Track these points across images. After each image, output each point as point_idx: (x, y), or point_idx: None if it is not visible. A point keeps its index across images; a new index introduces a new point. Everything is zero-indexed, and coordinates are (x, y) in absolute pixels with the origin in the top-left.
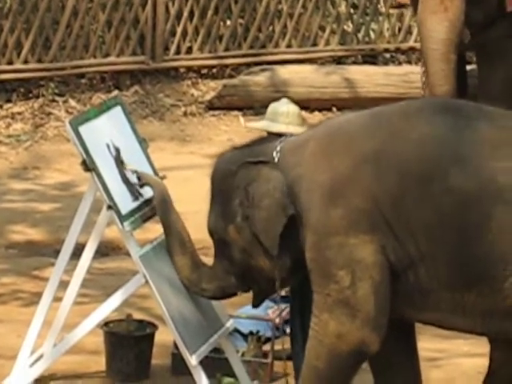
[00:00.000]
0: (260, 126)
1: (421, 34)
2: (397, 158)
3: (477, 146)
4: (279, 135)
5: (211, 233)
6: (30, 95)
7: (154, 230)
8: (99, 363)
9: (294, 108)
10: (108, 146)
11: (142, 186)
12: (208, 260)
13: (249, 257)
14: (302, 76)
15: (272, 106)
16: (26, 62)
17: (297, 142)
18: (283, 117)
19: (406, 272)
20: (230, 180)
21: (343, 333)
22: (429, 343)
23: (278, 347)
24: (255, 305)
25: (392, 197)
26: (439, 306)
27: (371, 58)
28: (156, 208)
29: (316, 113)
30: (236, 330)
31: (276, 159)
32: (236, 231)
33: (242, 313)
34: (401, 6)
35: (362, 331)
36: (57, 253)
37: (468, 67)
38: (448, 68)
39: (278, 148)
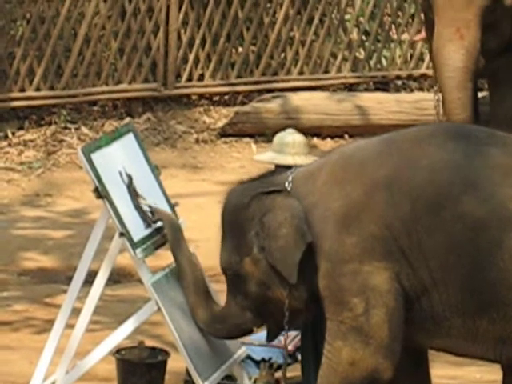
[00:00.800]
0: (267, 158)
1: (437, 63)
2: (409, 185)
3: (488, 172)
4: (287, 167)
5: (225, 270)
6: (43, 122)
7: (166, 256)
8: None
9: (299, 138)
10: (120, 174)
11: (155, 222)
12: (220, 287)
13: (266, 289)
14: (314, 103)
15: (278, 137)
16: (38, 89)
17: (308, 171)
18: (289, 147)
19: (419, 299)
20: (243, 213)
21: (356, 360)
22: (441, 370)
23: (290, 374)
24: (271, 339)
25: (405, 224)
26: (451, 332)
27: (383, 85)
28: (169, 245)
29: (328, 140)
30: (248, 357)
31: (289, 189)
32: (252, 263)
33: (254, 340)
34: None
35: (375, 358)
36: (69, 280)
37: (480, 94)
38: (465, 96)
39: (290, 178)
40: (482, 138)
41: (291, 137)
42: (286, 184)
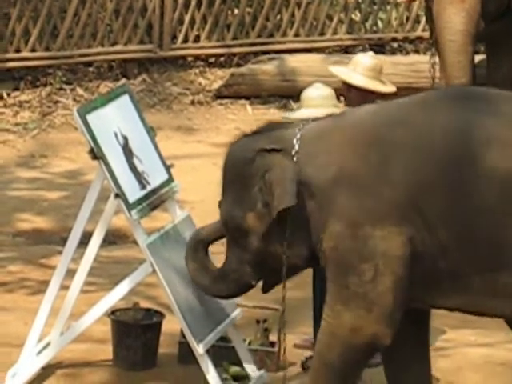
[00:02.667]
0: (299, 115)
1: (437, 25)
2: (428, 147)
3: (504, 129)
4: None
5: (226, 223)
6: (38, 83)
7: (162, 218)
8: (106, 352)
9: (329, 90)
10: (116, 135)
11: None
12: (214, 248)
13: (267, 244)
14: (310, 65)
15: (306, 92)
16: (33, 50)
17: (319, 130)
18: (328, 99)
19: (435, 259)
20: (247, 167)
21: (358, 326)
22: (436, 333)
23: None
24: (266, 290)
25: (425, 186)
26: (470, 288)
27: (379, 47)
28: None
29: None
30: None
31: (296, 146)
32: (255, 218)
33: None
34: None
35: (377, 326)
36: (64, 241)
37: (476, 57)
38: (465, 59)
39: (299, 135)
40: (496, 97)
41: (322, 90)
42: (294, 141)
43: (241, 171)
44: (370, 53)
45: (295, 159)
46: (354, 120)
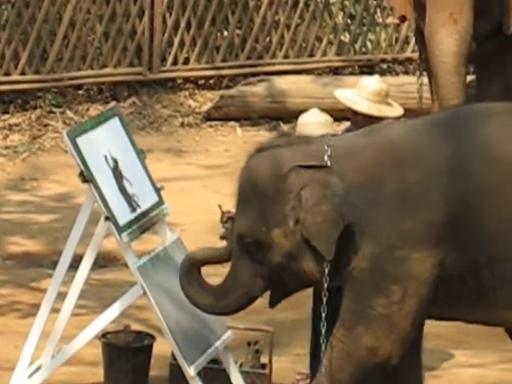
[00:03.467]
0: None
1: (429, 48)
2: (466, 170)
3: None
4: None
5: (242, 236)
6: (28, 106)
7: (152, 241)
8: (97, 374)
9: (326, 117)
10: (106, 158)
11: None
12: (205, 271)
13: (291, 260)
14: (300, 86)
15: (302, 117)
16: (23, 73)
17: (349, 147)
18: (318, 128)
19: (464, 278)
20: (278, 184)
21: (376, 347)
22: (428, 354)
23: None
24: (273, 305)
25: (465, 206)
26: (494, 304)
27: (368, 69)
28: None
29: None
30: None
31: (328, 163)
32: (282, 235)
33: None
34: (403, 19)
35: (394, 346)
36: (54, 264)
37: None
38: (458, 81)
39: (329, 152)
40: None
41: (318, 117)
42: (326, 158)
43: (269, 187)
44: (376, 76)
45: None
46: (390, 137)
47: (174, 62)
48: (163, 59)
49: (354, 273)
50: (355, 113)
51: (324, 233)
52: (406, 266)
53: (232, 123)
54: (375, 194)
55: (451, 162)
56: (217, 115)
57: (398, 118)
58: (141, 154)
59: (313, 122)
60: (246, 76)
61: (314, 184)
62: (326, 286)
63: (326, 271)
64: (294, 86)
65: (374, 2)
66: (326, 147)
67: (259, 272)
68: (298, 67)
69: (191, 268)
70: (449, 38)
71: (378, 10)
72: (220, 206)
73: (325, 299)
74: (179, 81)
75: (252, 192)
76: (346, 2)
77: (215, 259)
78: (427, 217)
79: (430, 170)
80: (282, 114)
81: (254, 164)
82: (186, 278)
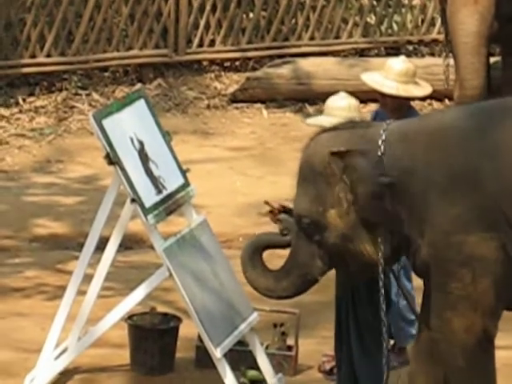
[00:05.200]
0: (318, 122)
1: (451, 27)
2: None
3: None
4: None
5: (300, 216)
6: (53, 89)
7: (178, 223)
8: (123, 356)
9: (353, 101)
10: (131, 140)
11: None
12: (231, 253)
13: (347, 241)
14: (325, 68)
15: (330, 101)
16: (48, 55)
17: (404, 133)
18: (345, 111)
19: None
20: (331, 166)
21: (469, 325)
22: None
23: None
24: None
25: (511, 194)
26: None
27: (394, 50)
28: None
29: None
30: None
31: (382, 148)
32: (337, 216)
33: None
34: None
35: (484, 320)
36: (81, 246)
37: (491, 59)
38: (479, 61)
39: (384, 137)
40: None
41: (346, 100)
42: (380, 143)
43: (324, 169)
44: (402, 57)
45: (381, 161)
46: (441, 125)
47: (200, 44)
48: (189, 41)
49: (427, 260)
50: (383, 95)
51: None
52: (466, 249)
53: (258, 105)
54: (426, 181)
55: (497, 148)
56: (242, 97)
57: (426, 97)
58: (167, 135)
59: (338, 106)
60: (271, 58)
61: (355, 168)
62: (380, 268)
63: (381, 254)
64: (320, 68)
65: None
66: (381, 131)
67: (317, 253)
68: (324, 49)
69: (255, 252)
70: (469, 18)
71: None
72: (267, 202)
73: (381, 282)
74: (205, 63)
75: (310, 173)
76: None
77: (279, 243)
78: (476, 201)
79: (477, 157)
80: (308, 96)
81: (314, 145)
82: (250, 262)
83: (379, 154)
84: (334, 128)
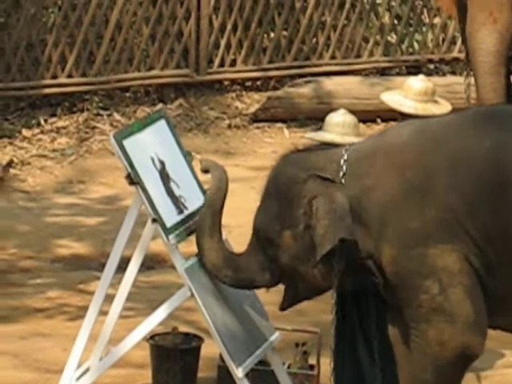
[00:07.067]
0: (315, 137)
1: (470, 47)
2: (470, 167)
3: None
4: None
5: (258, 230)
6: (75, 109)
7: None
8: (145, 376)
9: (350, 118)
10: (153, 160)
11: (204, 172)
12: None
13: (299, 264)
14: (347, 87)
15: (328, 117)
16: (70, 76)
17: (363, 151)
18: (339, 127)
19: (485, 279)
20: (296, 187)
21: (444, 340)
22: None
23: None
24: (284, 308)
25: (469, 205)
26: (509, 311)
27: (415, 69)
28: (209, 192)
29: (360, 124)
30: None
31: (344, 168)
32: (292, 238)
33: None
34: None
35: (464, 335)
36: (102, 266)
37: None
38: (497, 81)
39: (345, 157)
40: None
41: (342, 117)
42: (342, 163)
43: (289, 189)
44: (421, 76)
45: (342, 181)
46: (398, 141)
47: (221, 64)
48: (210, 61)
49: (389, 277)
50: (403, 114)
51: (323, 244)
52: (428, 261)
53: (279, 124)
54: (383, 198)
55: (453, 161)
56: (264, 116)
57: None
58: (188, 155)
59: (334, 122)
60: (292, 77)
61: (325, 196)
62: (334, 294)
63: (335, 278)
64: (341, 87)
65: (421, 2)
66: (343, 152)
67: (268, 267)
68: (345, 68)
69: (215, 222)
70: (488, 37)
71: (425, 11)
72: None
73: (334, 310)
74: (226, 82)
75: (274, 190)
76: (393, 3)
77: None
78: (433, 215)
79: (433, 170)
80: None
81: (282, 165)
82: (208, 231)
83: (341, 174)
84: (305, 149)
